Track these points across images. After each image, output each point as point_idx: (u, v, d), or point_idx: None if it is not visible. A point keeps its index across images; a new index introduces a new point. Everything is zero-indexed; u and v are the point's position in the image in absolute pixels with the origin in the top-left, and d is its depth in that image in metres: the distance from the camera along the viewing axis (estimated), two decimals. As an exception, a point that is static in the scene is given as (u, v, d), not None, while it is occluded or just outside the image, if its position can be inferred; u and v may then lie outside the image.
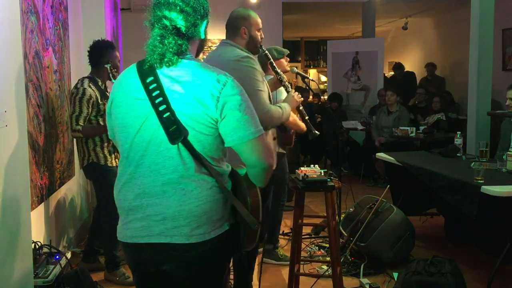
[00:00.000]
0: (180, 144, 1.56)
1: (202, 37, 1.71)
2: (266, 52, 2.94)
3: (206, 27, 1.73)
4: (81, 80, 3.46)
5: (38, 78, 3.23)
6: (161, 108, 1.55)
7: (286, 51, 3.82)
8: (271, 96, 2.87)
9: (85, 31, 4.84)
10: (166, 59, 1.58)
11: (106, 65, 3.47)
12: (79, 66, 4.50)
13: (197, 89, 1.55)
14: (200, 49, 1.75)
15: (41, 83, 3.30)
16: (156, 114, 1.56)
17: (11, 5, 2.24)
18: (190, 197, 1.58)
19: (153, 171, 1.59)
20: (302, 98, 3.00)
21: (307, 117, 3.14)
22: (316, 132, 3.13)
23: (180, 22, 1.61)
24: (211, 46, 7.76)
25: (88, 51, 3.56)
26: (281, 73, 3.02)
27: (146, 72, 1.60)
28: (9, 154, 2.18)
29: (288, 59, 3.86)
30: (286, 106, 2.80)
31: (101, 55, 3.50)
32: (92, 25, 4.87)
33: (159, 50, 1.58)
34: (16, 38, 2.32)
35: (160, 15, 1.61)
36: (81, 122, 3.33)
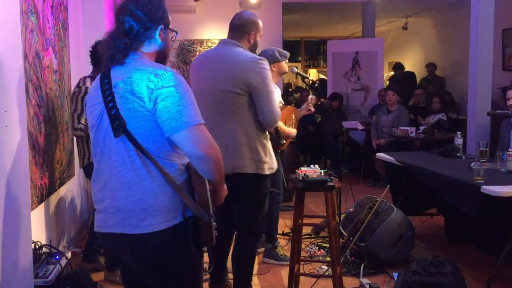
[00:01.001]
0: (124, 138, 1.66)
1: (158, 42, 1.79)
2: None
3: (164, 35, 1.79)
4: (83, 79, 3.46)
5: (38, 78, 3.23)
6: (110, 105, 1.68)
7: (288, 54, 3.85)
8: (280, 97, 2.99)
9: (85, 31, 4.84)
10: (115, 59, 1.72)
11: None
12: (79, 66, 4.50)
13: (135, 84, 1.65)
14: (162, 56, 1.83)
15: (41, 83, 3.30)
16: (106, 112, 1.69)
17: (11, 5, 2.24)
18: (135, 189, 1.66)
19: (108, 165, 1.72)
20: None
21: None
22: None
23: (130, 24, 1.74)
24: (211, 46, 7.77)
25: (90, 51, 3.57)
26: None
27: (105, 74, 1.74)
28: (9, 154, 2.18)
29: (287, 59, 3.87)
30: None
31: (98, 55, 3.50)
32: (92, 25, 4.87)
33: (111, 51, 1.73)
34: (16, 38, 2.32)
35: (116, 19, 1.77)
36: (82, 121, 3.34)
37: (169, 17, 1.83)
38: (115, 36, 1.75)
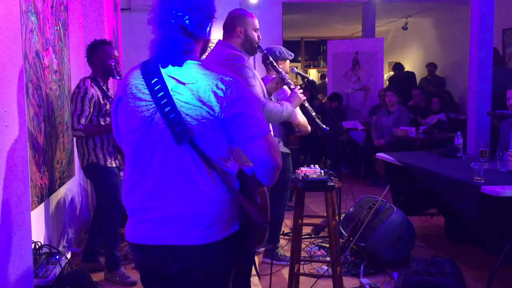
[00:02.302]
0: (186, 145, 1.55)
1: (208, 37, 1.71)
2: (265, 52, 2.96)
3: (210, 28, 1.72)
4: (83, 80, 3.47)
5: (38, 78, 3.23)
6: (167, 109, 1.54)
7: (293, 54, 3.90)
8: (265, 92, 2.87)
9: (85, 31, 4.84)
10: (173, 58, 1.58)
11: (110, 62, 3.48)
12: (79, 66, 4.50)
13: (200, 90, 1.54)
14: (204, 50, 1.75)
15: (41, 83, 3.30)
16: (162, 116, 1.55)
17: (11, 5, 2.24)
18: (198, 198, 1.57)
19: (161, 172, 1.58)
20: (304, 97, 2.97)
21: (313, 113, 3.11)
22: (326, 127, 3.09)
23: (187, 21, 1.60)
24: (211, 46, 7.77)
25: (86, 51, 3.58)
26: (283, 71, 3.01)
27: (151, 73, 1.59)
28: (9, 154, 2.18)
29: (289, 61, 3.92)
30: (287, 104, 2.78)
31: (92, 55, 3.53)
32: (92, 25, 4.87)
33: (166, 49, 1.57)
34: (16, 38, 2.32)
35: (166, 13, 1.60)
36: (82, 121, 3.33)
37: None
38: (171, 32, 1.58)
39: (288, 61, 3.89)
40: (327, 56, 8.62)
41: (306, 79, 3.83)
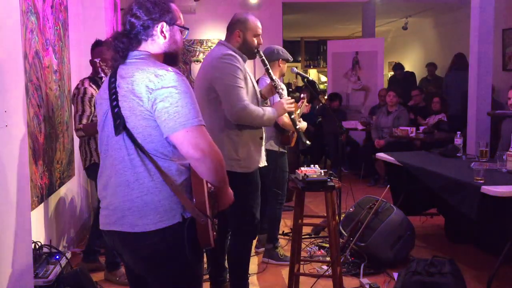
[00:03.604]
0: (125, 136, 1.67)
1: (162, 40, 1.78)
2: (263, 58, 3.01)
3: (168, 32, 1.78)
4: (82, 81, 3.50)
5: (38, 78, 3.23)
6: (114, 104, 1.69)
7: (291, 57, 3.94)
8: (258, 96, 2.91)
9: (85, 31, 4.84)
10: (115, 58, 1.76)
11: (95, 59, 3.50)
12: (79, 66, 4.50)
13: (135, 83, 1.66)
14: (171, 56, 1.82)
15: (41, 83, 3.30)
16: (111, 110, 1.71)
17: (11, 5, 2.24)
18: (132, 188, 1.67)
19: (110, 163, 1.73)
20: (293, 108, 3.01)
21: (298, 127, 3.13)
22: (308, 142, 3.11)
23: (130, 23, 1.76)
24: (211, 46, 7.77)
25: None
26: (277, 80, 3.06)
27: (112, 73, 1.76)
28: (9, 154, 2.18)
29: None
30: (270, 109, 2.85)
31: (91, 55, 3.57)
32: (92, 25, 4.87)
33: (112, 51, 1.77)
34: (16, 38, 2.32)
35: (122, 21, 1.81)
36: (84, 121, 3.34)
37: (177, 14, 1.81)
38: (117, 36, 1.77)
39: (286, 64, 3.91)
40: (327, 56, 8.62)
41: (306, 79, 3.84)
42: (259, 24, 2.93)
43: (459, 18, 8.60)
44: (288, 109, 2.97)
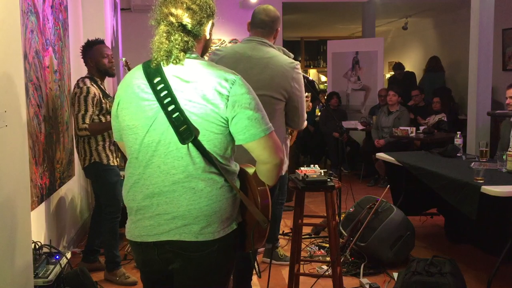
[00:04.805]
0: (190, 143, 1.56)
1: (208, 37, 1.73)
2: None
3: (211, 28, 1.74)
4: (82, 80, 3.46)
5: (38, 78, 3.23)
6: (170, 108, 1.55)
7: (292, 55, 3.88)
8: None
9: (85, 31, 4.84)
10: (173, 56, 1.58)
11: (104, 61, 3.49)
12: (79, 66, 4.49)
13: (205, 88, 1.55)
14: (205, 50, 1.77)
15: (41, 83, 3.30)
16: (165, 115, 1.56)
17: (11, 5, 2.24)
18: (200, 196, 1.58)
19: (163, 171, 1.59)
20: None
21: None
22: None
23: (186, 19, 1.61)
24: (211, 46, 7.77)
25: (81, 51, 3.62)
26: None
27: (153, 72, 1.60)
28: (9, 154, 2.18)
29: None
30: None
31: (87, 55, 3.56)
32: (92, 25, 4.88)
33: (166, 47, 1.57)
34: (16, 38, 2.32)
35: (166, 12, 1.61)
36: (87, 121, 3.34)
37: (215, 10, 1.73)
38: (171, 31, 1.59)
39: None
40: (327, 56, 8.62)
41: (306, 79, 3.83)
42: None
43: (459, 18, 8.60)
44: None
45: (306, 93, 3.96)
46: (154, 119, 1.58)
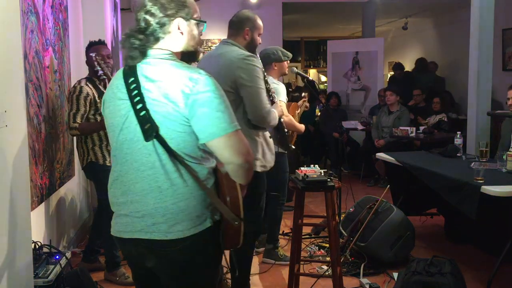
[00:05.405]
0: (155, 141, 1.61)
1: (180, 37, 1.72)
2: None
3: (186, 28, 1.72)
4: (79, 80, 3.52)
5: (38, 78, 3.23)
6: (138, 106, 1.61)
7: (291, 55, 3.86)
8: (270, 95, 2.92)
9: (85, 31, 4.84)
10: (132, 56, 1.67)
11: (91, 54, 3.45)
12: (79, 66, 4.50)
13: (168, 87, 1.59)
14: (190, 52, 1.77)
15: (41, 83, 3.30)
16: (134, 113, 1.62)
17: (11, 5, 2.24)
18: (166, 194, 1.62)
19: (134, 168, 1.65)
20: (282, 112, 3.08)
21: (286, 130, 3.17)
22: (293, 146, 3.15)
23: (146, 20, 1.68)
24: (211, 46, 7.77)
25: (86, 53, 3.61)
26: (270, 84, 3.08)
27: (129, 73, 1.67)
28: (9, 154, 2.18)
29: (288, 61, 3.89)
30: (275, 110, 2.90)
31: (86, 56, 3.56)
32: (92, 25, 4.87)
33: (126, 49, 1.68)
34: (16, 38, 2.32)
35: (136, 18, 1.72)
36: (78, 120, 3.33)
37: (194, 8, 1.74)
38: (131, 34, 1.68)
39: (285, 62, 3.83)
40: (327, 56, 8.62)
41: (306, 79, 3.84)
42: (262, 24, 2.96)
43: (459, 18, 8.59)
44: (280, 113, 3.04)
45: (304, 93, 3.96)
46: (126, 117, 1.65)
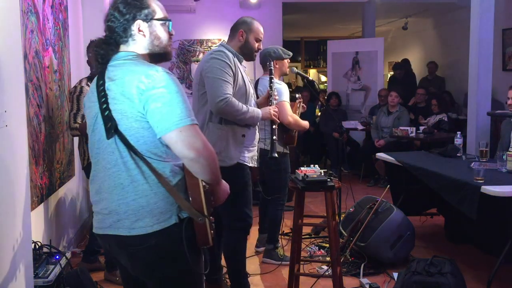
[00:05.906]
0: (117, 139, 1.66)
1: (143, 39, 1.75)
2: (271, 68, 3.25)
3: (148, 29, 1.75)
4: (79, 80, 3.53)
5: (38, 78, 3.23)
6: (104, 106, 1.68)
7: (291, 54, 3.87)
8: (248, 93, 2.92)
9: (85, 31, 4.84)
10: (98, 60, 1.75)
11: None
12: (79, 66, 4.50)
13: (125, 85, 1.64)
14: (159, 53, 1.80)
15: (41, 83, 3.30)
16: (100, 113, 1.69)
17: (11, 5, 2.24)
18: (127, 191, 1.66)
19: (103, 167, 1.72)
20: (277, 118, 3.10)
21: (274, 137, 3.14)
22: (275, 155, 3.12)
23: (109, 25, 1.76)
24: (211, 46, 7.77)
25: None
26: (276, 83, 3.10)
27: (99, 76, 1.75)
28: (9, 154, 2.18)
29: (289, 60, 3.89)
30: (255, 110, 2.91)
31: (87, 55, 3.59)
32: (92, 25, 4.87)
33: (93, 53, 1.78)
34: (16, 38, 2.32)
35: (104, 27, 1.80)
36: (78, 120, 3.34)
37: (154, 8, 1.76)
38: (98, 43, 1.76)
39: (286, 61, 3.85)
40: (327, 56, 8.62)
41: (306, 79, 3.84)
42: (262, 30, 3.04)
43: (459, 18, 8.59)
44: (273, 118, 3.05)
45: (298, 95, 3.96)
46: (95, 118, 1.73)
